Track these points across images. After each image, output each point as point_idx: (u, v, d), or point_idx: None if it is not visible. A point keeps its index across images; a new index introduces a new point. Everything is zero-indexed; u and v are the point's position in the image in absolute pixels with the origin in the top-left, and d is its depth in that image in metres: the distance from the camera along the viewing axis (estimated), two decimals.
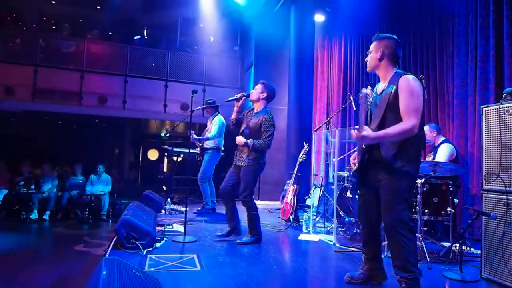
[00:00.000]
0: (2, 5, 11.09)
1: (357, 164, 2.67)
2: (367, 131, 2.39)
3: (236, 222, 4.14)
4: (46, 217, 7.44)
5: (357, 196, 3.22)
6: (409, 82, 2.47)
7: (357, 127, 2.42)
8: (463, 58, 4.82)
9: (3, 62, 9.18)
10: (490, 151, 2.95)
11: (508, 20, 4.14)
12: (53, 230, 6.78)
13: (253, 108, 4.11)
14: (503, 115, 2.83)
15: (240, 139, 3.97)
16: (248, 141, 3.89)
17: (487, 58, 4.41)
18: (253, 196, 4.04)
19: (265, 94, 4.01)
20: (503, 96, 2.90)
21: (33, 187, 7.83)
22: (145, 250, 3.40)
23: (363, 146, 2.64)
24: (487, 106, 3.03)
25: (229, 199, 4.07)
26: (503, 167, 2.82)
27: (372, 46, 2.70)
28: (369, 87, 2.37)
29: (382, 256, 2.82)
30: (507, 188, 2.76)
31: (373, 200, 2.65)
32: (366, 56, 2.75)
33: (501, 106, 2.85)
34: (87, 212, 7.67)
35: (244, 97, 4.17)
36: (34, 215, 7.39)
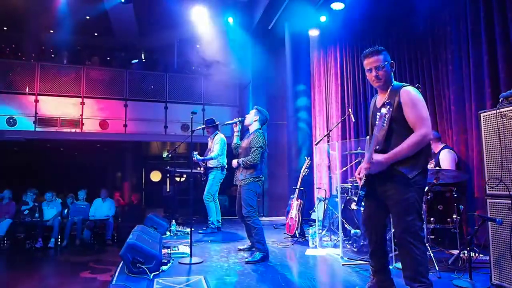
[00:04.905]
0: (1, 37, 11.30)
1: (364, 178, 2.58)
2: (377, 157, 2.40)
3: None
4: (51, 245, 7.38)
5: (361, 208, 3.20)
6: (410, 94, 2.49)
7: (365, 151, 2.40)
8: (457, 65, 4.87)
9: (4, 92, 9.30)
10: (491, 156, 2.95)
11: (500, 26, 4.20)
12: (59, 257, 6.73)
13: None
14: (501, 120, 2.85)
15: (233, 162, 4.30)
16: (240, 161, 4.19)
17: (481, 64, 4.46)
18: (255, 212, 4.17)
19: (257, 118, 4.33)
20: (500, 100, 2.91)
21: (37, 215, 7.81)
22: (152, 274, 3.38)
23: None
24: (485, 112, 3.05)
25: (242, 218, 4.26)
26: (505, 171, 2.82)
27: (377, 60, 2.55)
28: (388, 106, 2.36)
29: (390, 267, 2.79)
30: (511, 193, 2.76)
31: (379, 212, 2.65)
32: (371, 71, 2.58)
33: (498, 111, 2.87)
34: (92, 238, 7.63)
35: (239, 122, 4.44)
36: (39, 244, 7.35)
